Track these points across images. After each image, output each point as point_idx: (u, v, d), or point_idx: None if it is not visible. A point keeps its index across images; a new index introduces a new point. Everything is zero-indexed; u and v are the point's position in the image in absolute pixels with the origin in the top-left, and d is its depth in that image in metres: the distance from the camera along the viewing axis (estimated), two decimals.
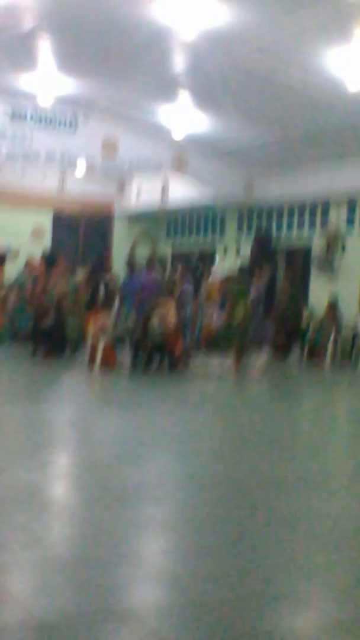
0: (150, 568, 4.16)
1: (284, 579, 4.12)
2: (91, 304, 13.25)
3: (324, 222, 17.36)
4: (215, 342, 14.12)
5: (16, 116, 15.74)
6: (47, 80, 13.86)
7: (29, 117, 15.84)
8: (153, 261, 15.46)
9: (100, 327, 13.09)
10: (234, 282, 14.37)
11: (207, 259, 20.83)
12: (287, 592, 3.94)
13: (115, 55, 12.42)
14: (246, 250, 18.95)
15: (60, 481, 6.09)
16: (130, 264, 14.94)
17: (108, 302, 13.26)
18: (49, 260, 14.41)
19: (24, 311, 15.94)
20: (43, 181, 19.73)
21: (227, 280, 14.59)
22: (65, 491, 5.83)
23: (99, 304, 13.14)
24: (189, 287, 13.94)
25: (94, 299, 13.28)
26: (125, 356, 13.14)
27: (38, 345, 13.97)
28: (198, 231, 21.15)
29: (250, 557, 4.40)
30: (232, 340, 13.97)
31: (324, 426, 9.68)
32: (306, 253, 18.03)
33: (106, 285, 14.53)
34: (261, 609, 3.73)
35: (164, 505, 5.39)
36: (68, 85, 14.25)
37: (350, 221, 16.82)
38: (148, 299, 13.27)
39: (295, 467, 6.88)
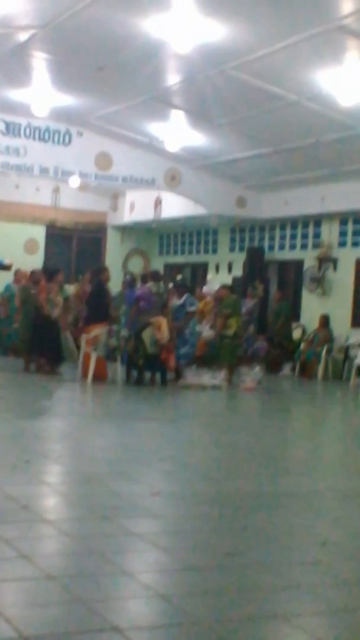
0: (141, 584, 4.15)
1: (275, 598, 4.11)
2: (96, 316, 13.23)
3: (316, 239, 17.42)
4: (207, 357, 14.12)
5: (10, 130, 15.77)
6: (41, 95, 13.89)
7: (22, 131, 15.88)
8: (147, 275, 15.46)
9: (92, 340, 13.09)
10: (227, 296, 14.37)
11: (200, 274, 20.87)
12: (279, 611, 3.93)
13: (110, 71, 12.46)
14: (238, 266, 18.99)
15: (50, 495, 6.07)
16: (131, 278, 14.93)
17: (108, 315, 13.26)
18: (50, 272, 14.44)
19: (12, 323, 15.92)
20: (36, 195, 19.78)
21: (220, 294, 14.59)
22: (56, 506, 5.82)
23: (105, 317, 13.14)
24: (191, 300, 13.97)
25: (99, 311, 13.26)
26: (117, 370, 13.14)
27: (34, 357, 13.94)
28: (191, 246, 21.19)
29: (241, 575, 4.39)
30: (224, 355, 13.98)
31: (316, 442, 9.68)
32: (298, 269, 18.07)
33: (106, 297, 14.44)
34: (254, 628, 3.72)
35: (155, 521, 5.38)
36: (62, 100, 14.29)
37: (342, 237, 16.88)
38: (143, 312, 13.27)
39: (286, 483, 6.87)
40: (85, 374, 12.92)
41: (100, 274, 13.85)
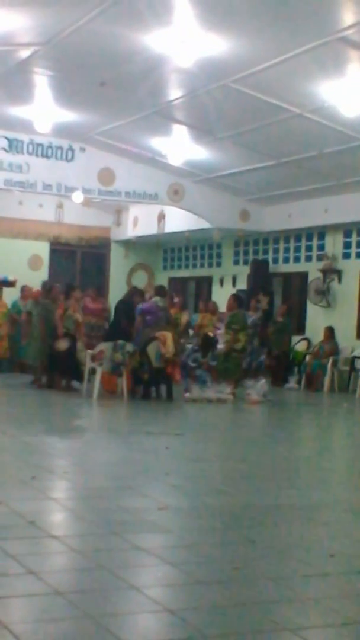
0: (149, 598, 4.13)
1: (283, 611, 4.09)
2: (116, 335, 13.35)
3: (320, 251, 17.42)
4: (215, 370, 14.08)
5: (13, 147, 15.83)
6: (44, 111, 13.94)
7: (25, 147, 15.93)
8: (151, 289, 15.51)
9: (97, 355, 13.09)
10: (236, 311, 14.38)
11: (204, 287, 20.88)
12: (287, 624, 3.91)
13: (112, 86, 12.50)
14: (243, 279, 19.00)
15: (57, 511, 6.05)
16: (140, 293, 14.96)
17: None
18: (67, 288, 14.53)
19: (20, 339, 15.92)
20: (40, 211, 19.83)
21: (229, 304, 14.59)
22: (63, 521, 5.80)
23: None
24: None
25: (120, 331, 13.39)
26: (123, 384, 13.14)
27: (54, 373, 13.94)
28: (195, 260, 21.21)
29: (249, 588, 4.37)
30: (233, 369, 13.96)
31: (323, 454, 9.65)
32: (303, 282, 18.07)
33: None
34: None
35: (162, 536, 5.36)
36: (64, 116, 14.34)
37: (346, 249, 16.88)
38: (148, 326, 13.28)
39: (294, 495, 6.85)
40: (106, 389, 13.01)
41: (134, 296, 14.01)
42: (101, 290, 19.77)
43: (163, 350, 12.83)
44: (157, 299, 13.69)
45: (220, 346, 14.05)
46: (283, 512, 6.18)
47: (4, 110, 14.34)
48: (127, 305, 14.01)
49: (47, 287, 15.09)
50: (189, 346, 14.28)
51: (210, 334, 14.25)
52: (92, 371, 13.20)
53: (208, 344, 14.01)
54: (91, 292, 17.90)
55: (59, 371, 13.81)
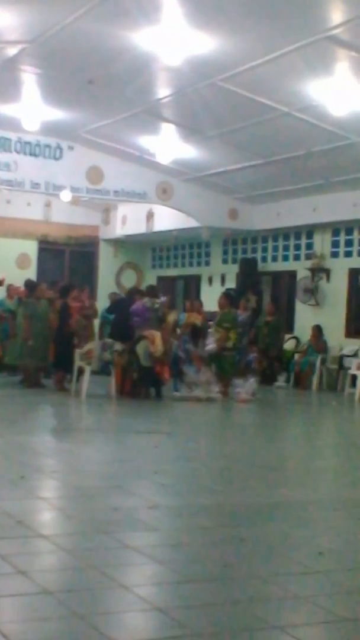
0: (139, 597, 4.12)
1: (273, 609, 4.09)
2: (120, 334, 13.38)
3: (309, 250, 17.44)
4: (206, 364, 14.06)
5: (1, 145, 15.77)
6: (32, 109, 13.90)
7: (13, 146, 15.88)
8: (140, 288, 15.51)
9: (85, 355, 13.08)
10: (227, 310, 14.38)
11: (193, 286, 20.87)
12: (277, 622, 3.91)
13: (100, 84, 12.47)
14: (231, 277, 19.01)
15: (46, 510, 6.04)
16: (141, 292, 14.95)
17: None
18: (64, 288, 14.53)
19: (7, 338, 15.79)
20: (28, 209, 19.78)
21: (221, 303, 14.58)
22: (52, 520, 5.78)
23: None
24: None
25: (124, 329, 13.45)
26: (112, 384, 13.12)
27: (55, 372, 13.95)
28: (183, 259, 21.20)
29: (239, 587, 4.37)
30: (225, 368, 13.95)
31: (311, 452, 9.66)
32: (291, 280, 18.09)
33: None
34: (252, 639, 3.70)
35: (152, 534, 5.36)
36: (52, 114, 14.30)
37: (334, 248, 16.91)
38: (137, 327, 13.27)
39: (283, 494, 6.86)
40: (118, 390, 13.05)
41: (135, 295, 14.01)
42: (85, 288, 19.67)
43: (152, 349, 12.82)
44: (146, 299, 13.67)
45: (212, 345, 14.01)
46: (272, 510, 6.19)
47: None
48: (128, 304, 14.00)
49: (32, 286, 15.03)
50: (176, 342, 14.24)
51: (198, 323, 14.23)
52: (80, 371, 13.16)
53: (197, 333, 14.01)
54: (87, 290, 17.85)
55: (64, 369, 13.75)
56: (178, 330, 14.36)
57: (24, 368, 14.55)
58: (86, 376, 12.92)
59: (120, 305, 14.59)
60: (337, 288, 16.77)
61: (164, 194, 17.40)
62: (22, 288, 16.01)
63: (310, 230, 17.33)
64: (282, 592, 4.32)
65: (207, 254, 20.38)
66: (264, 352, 16.57)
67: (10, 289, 16.96)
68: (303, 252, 17.66)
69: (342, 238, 16.73)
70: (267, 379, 16.34)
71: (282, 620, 3.94)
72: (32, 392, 13.54)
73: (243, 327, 15.68)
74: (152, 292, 14.21)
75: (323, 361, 16.17)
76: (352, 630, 3.88)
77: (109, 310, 16.88)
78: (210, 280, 20.03)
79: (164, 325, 13.56)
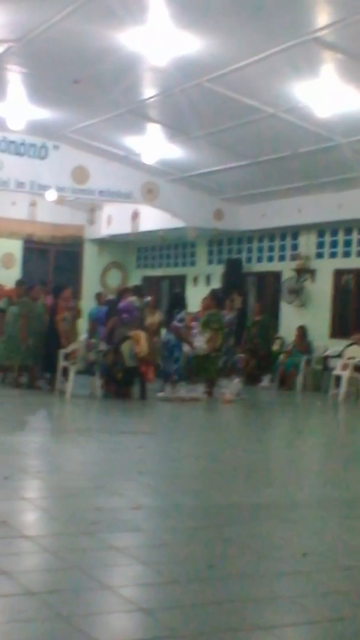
0: (123, 598, 4.11)
1: (257, 609, 4.10)
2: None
3: (294, 250, 17.47)
4: (189, 370, 14.06)
5: None
6: (17, 108, 13.86)
7: None
8: (126, 290, 15.47)
9: (71, 354, 13.06)
10: (214, 310, 14.38)
11: (178, 286, 20.84)
12: (261, 623, 3.91)
13: (86, 84, 12.45)
14: (217, 278, 19.02)
15: (30, 511, 6.02)
16: (122, 291, 14.91)
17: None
18: (56, 288, 14.52)
19: None
20: (13, 209, 19.71)
21: (206, 303, 14.58)
22: (36, 521, 5.77)
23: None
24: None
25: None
26: (96, 383, 13.10)
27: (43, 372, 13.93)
28: (169, 259, 21.20)
29: (223, 587, 4.37)
30: (211, 368, 13.95)
31: (295, 453, 9.68)
32: (276, 281, 18.11)
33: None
34: None
35: (136, 535, 5.35)
36: (38, 113, 14.27)
37: (319, 249, 16.95)
38: (124, 324, 13.25)
39: (267, 495, 6.86)
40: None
41: (125, 294, 14.00)
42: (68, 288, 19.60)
43: (137, 349, 12.82)
44: (133, 298, 13.68)
45: (199, 344, 13.99)
46: (257, 511, 6.19)
47: None
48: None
49: (27, 286, 14.97)
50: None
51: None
52: (65, 371, 13.13)
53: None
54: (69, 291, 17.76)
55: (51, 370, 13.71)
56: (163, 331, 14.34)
57: (6, 368, 14.51)
58: (71, 376, 12.90)
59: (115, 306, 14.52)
60: (322, 289, 16.81)
61: (150, 194, 17.39)
62: (8, 287, 15.95)
63: (295, 231, 17.37)
64: (266, 593, 4.33)
65: (193, 254, 20.39)
66: (253, 352, 16.57)
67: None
68: (288, 252, 17.69)
69: (327, 239, 16.78)
70: (251, 379, 16.35)
71: (266, 621, 3.94)
72: (17, 392, 13.50)
73: (229, 327, 15.68)
74: (139, 291, 14.25)
75: (308, 362, 16.20)
76: (337, 631, 3.89)
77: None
78: (195, 281, 20.04)
79: (148, 325, 13.57)
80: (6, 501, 6.04)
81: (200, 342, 14.05)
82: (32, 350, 13.94)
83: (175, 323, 13.65)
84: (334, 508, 6.49)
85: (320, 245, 16.93)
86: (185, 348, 13.85)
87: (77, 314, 14.84)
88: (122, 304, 13.65)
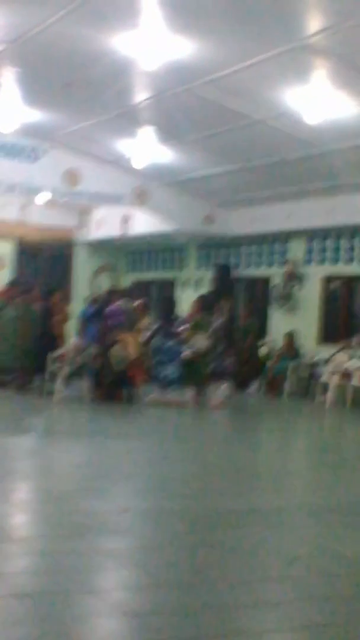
0: (110, 601, 4.12)
1: (245, 614, 4.10)
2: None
3: (283, 256, 17.51)
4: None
5: None
6: (8, 111, 13.84)
7: None
8: (116, 291, 15.45)
9: (60, 357, 13.04)
10: (203, 315, 14.37)
11: (168, 290, 20.83)
12: (249, 628, 3.92)
13: (78, 87, 12.46)
14: (206, 283, 19.02)
15: (17, 513, 6.01)
16: (109, 295, 14.88)
17: None
18: (48, 291, 14.53)
19: None
20: (4, 211, 19.67)
21: (195, 308, 14.56)
22: (23, 524, 5.76)
23: None
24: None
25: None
26: (85, 387, 13.09)
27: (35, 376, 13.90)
28: (159, 263, 21.19)
29: (211, 592, 4.37)
30: (198, 372, 13.93)
31: (283, 458, 9.70)
32: (265, 286, 18.14)
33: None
34: None
35: (124, 539, 5.35)
36: (29, 116, 14.25)
37: (308, 254, 16.99)
38: (113, 328, 13.22)
39: (255, 500, 6.87)
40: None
41: (112, 296, 13.99)
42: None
43: (125, 353, 12.80)
44: (122, 301, 13.64)
45: (192, 349, 13.98)
46: (244, 516, 6.20)
47: None
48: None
49: (26, 287, 14.94)
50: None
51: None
52: (52, 375, 13.11)
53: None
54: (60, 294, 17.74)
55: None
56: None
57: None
58: (60, 379, 12.88)
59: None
60: (310, 295, 16.84)
61: (140, 198, 17.40)
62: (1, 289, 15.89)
63: (284, 237, 17.40)
64: (255, 598, 4.33)
65: (183, 259, 20.39)
66: (239, 357, 16.54)
67: None
68: (277, 258, 17.72)
69: (316, 245, 16.81)
70: (240, 385, 16.33)
71: (255, 626, 3.95)
72: (6, 395, 13.48)
73: (218, 332, 15.67)
74: (129, 294, 14.23)
75: (295, 368, 16.21)
76: (324, 637, 3.90)
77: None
78: (184, 285, 20.04)
79: (137, 328, 13.55)
80: None
81: (199, 341, 14.04)
82: (26, 353, 13.91)
83: (178, 329, 13.74)
84: (322, 513, 6.50)
85: (309, 251, 16.97)
86: (185, 352, 13.86)
87: (65, 317, 14.83)
88: (108, 309, 13.57)
